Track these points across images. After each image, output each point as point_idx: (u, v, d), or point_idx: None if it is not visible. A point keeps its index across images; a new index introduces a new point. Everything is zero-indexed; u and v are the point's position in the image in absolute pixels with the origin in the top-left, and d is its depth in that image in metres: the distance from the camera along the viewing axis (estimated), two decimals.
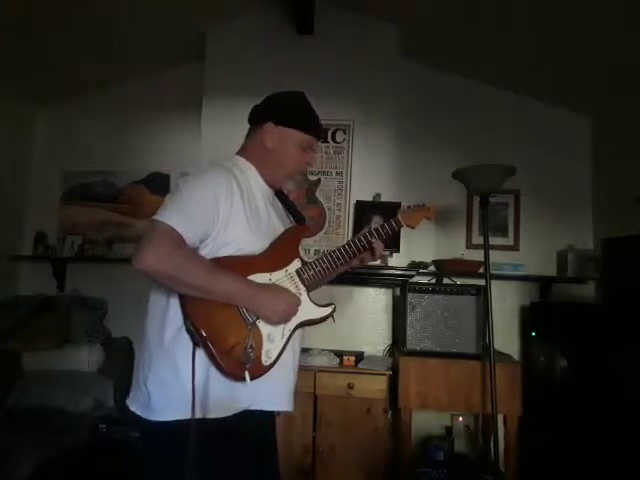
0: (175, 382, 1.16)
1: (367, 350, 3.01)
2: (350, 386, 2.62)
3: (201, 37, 3.27)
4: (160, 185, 3.51)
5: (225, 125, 3.12)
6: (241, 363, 1.18)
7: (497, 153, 3.10)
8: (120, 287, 3.33)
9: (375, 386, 2.63)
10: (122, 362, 3.18)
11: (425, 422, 3.02)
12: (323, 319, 1.36)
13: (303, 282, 1.33)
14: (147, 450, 1.22)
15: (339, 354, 2.79)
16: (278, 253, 1.31)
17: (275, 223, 1.36)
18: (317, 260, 1.36)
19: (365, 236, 1.39)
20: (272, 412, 1.33)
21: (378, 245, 1.40)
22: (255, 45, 3.23)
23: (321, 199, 3.15)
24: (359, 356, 2.82)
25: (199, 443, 1.11)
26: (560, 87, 3.16)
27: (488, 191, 2.54)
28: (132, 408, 1.23)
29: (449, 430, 3.09)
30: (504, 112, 3.35)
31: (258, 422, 1.30)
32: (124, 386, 3.05)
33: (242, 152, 1.41)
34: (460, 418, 3.07)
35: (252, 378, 1.19)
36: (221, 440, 1.19)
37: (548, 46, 2.81)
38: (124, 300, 3.28)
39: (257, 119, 1.40)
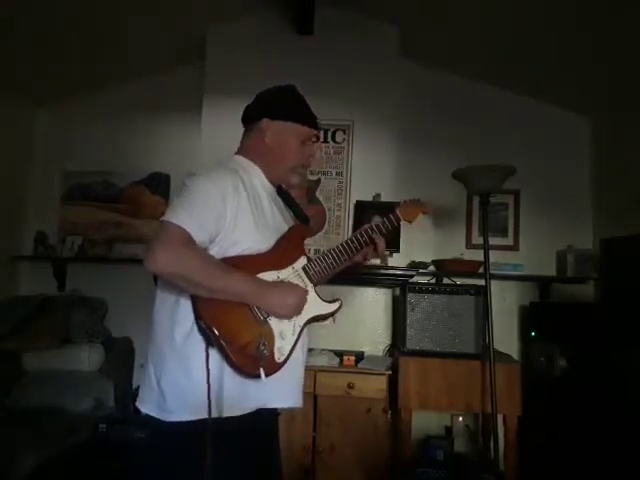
0: (189, 383, 1.17)
1: (367, 350, 3.01)
2: (350, 386, 2.63)
3: (201, 37, 3.27)
4: (160, 185, 3.51)
5: (225, 125, 3.07)
6: (255, 360, 1.18)
7: (497, 153, 3.09)
8: (120, 287, 3.34)
9: (375, 386, 2.63)
10: (122, 362, 3.18)
11: (425, 422, 3.02)
12: (331, 314, 1.38)
13: (310, 278, 1.34)
14: (161, 450, 1.21)
15: (339, 354, 2.79)
16: (284, 251, 1.32)
17: (279, 221, 1.37)
18: (321, 256, 1.37)
19: (367, 231, 1.40)
20: (277, 409, 1.34)
21: (380, 240, 1.41)
22: (255, 45, 3.23)
23: (321, 199, 3.15)
24: (359, 356, 2.82)
25: (215, 442, 1.11)
26: (560, 87, 3.16)
27: (488, 191, 2.54)
28: (144, 410, 1.22)
29: (449, 430, 3.09)
30: (504, 112, 3.35)
31: (266, 419, 1.31)
32: (124, 386, 3.06)
33: (242, 152, 1.40)
34: (460, 418, 3.07)
35: (266, 375, 1.19)
36: (236, 438, 1.20)
37: (548, 46, 2.81)
38: (124, 300, 3.29)
39: (252, 118, 1.40)
